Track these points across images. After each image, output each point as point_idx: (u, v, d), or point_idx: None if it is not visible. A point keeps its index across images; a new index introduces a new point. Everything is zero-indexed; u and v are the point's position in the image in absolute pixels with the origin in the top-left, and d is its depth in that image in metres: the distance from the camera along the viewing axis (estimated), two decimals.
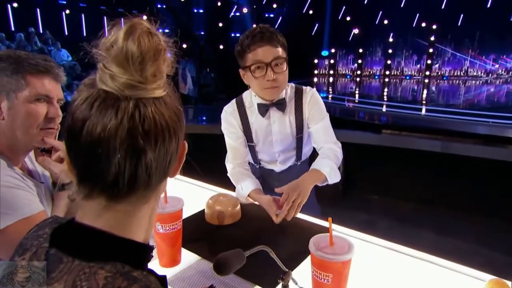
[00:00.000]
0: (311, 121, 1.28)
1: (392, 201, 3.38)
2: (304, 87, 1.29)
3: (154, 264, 0.89)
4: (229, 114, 1.29)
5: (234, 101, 1.32)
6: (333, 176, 1.21)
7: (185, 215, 1.11)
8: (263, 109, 1.24)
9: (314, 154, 1.39)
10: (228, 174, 1.32)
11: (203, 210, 1.15)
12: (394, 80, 11.80)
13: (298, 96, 1.27)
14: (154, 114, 0.40)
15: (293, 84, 1.30)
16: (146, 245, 0.45)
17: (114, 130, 0.38)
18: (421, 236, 2.81)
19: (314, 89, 1.31)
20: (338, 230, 1.07)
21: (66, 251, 0.41)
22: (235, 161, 1.30)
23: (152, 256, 0.45)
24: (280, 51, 1.15)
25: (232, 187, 1.39)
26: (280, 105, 1.24)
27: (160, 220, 0.84)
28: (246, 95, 1.30)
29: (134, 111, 0.39)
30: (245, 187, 1.22)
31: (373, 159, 3.50)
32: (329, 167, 1.20)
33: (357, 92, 9.38)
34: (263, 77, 1.14)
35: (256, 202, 1.22)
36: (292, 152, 1.36)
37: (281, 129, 1.28)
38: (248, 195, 1.21)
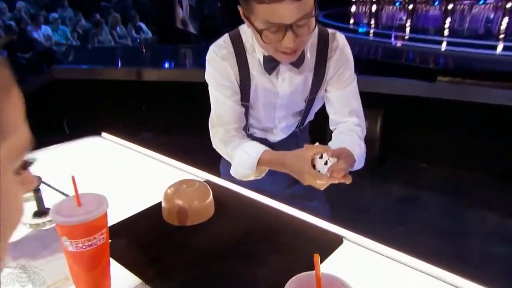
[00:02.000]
0: (335, 83, 1.14)
1: (446, 171, 3.26)
2: (330, 31, 1.12)
3: None
4: (221, 59, 1.09)
5: (227, 38, 1.11)
6: (359, 163, 1.08)
7: (135, 209, 0.99)
8: (271, 65, 1.08)
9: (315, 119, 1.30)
10: (216, 141, 1.16)
11: (161, 203, 0.99)
12: (461, 7, 10.81)
13: (323, 45, 1.10)
14: None
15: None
16: None
17: None
18: (484, 218, 2.71)
19: (343, 35, 1.14)
20: (351, 239, 0.88)
21: None
22: (228, 126, 1.14)
23: None
24: (309, 1, 0.91)
25: (213, 168, 1.25)
26: (296, 61, 1.06)
27: (68, 233, 0.67)
28: (247, 34, 1.09)
29: None
30: (252, 149, 1.08)
31: (423, 115, 3.32)
32: (361, 149, 1.09)
33: (408, 25, 8.68)
34: (279, 42, 0.95)
35: (262, 175, 1.09)
36: (297, 117, 1.24)
37: (291, 90, 1.14)
38: (260, 160, 1.05)
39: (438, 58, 4.49)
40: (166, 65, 4.66)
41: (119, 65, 4.60)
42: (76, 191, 0.69)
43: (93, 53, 5.58)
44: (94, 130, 1.50)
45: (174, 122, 3.80)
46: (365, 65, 4.00)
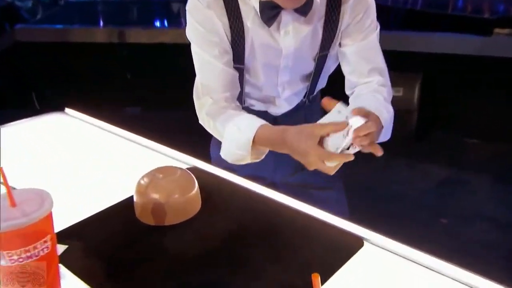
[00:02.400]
0: (353, 34, 1.13)
1: (499, 148, 3.29)
2: None
3: None
4: (206, 7, 1.09)
5: None
6: (386, 133, 1.08)
7: (101, 205, 1.00)
8: (270, 14, 1.06)
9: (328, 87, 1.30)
10: (203, 115, 1.15)
11: (132, 197, 1.00)
12: None
13: None
14: None
15: None
16: None
17: None
18: None
19: None
20: (373, 241, 0.87)
21: None
22: (217, 94, 1.12)
23: None
24: None
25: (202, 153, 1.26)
26: (303, 7, 1.05)
27: None
28: None
29: None
30: (246, 123, 1.05)
31: (473, 79, 3.27)
32: (390, 114, 1.06)
33: None
34: None
35: (261, 157, 1.07)
36: (305, 82, 1.24)
37: (297, 46, 1.13)
38: (255, 137, 1.02)
39: (495, 5, 4.34)
40: (157, 23, 4.60)
41: (100, 24, 4.56)
42: (7, 187, 0.66)
43: (66, 9, 5.54)
44: (69, 105, 1.52)
45: (166, 93, 3.78)
46: (401, 17, 3.91)
